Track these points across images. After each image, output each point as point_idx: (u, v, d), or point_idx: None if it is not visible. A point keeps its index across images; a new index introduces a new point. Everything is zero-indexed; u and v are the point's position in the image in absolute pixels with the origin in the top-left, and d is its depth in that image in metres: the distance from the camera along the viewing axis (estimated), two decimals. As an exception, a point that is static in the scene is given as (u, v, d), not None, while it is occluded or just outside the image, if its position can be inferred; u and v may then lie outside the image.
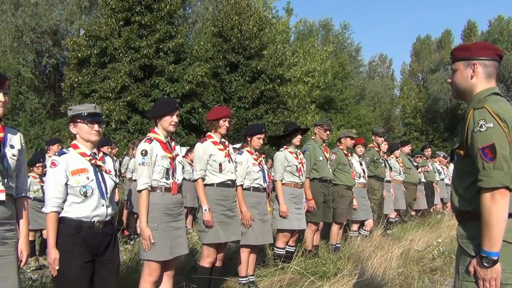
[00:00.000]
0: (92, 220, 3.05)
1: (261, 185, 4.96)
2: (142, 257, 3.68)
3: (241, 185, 4.78)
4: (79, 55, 15.14)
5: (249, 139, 5.02)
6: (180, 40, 15.61)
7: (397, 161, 8.65)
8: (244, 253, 4.87)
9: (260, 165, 5.00)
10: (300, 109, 24.50)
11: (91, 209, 3.04)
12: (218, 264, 4.45)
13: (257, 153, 5.06)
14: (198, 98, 15.94)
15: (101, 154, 3.22)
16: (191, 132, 15.84)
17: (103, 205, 3.10)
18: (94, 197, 3.06)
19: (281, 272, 5.05)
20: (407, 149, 9.34)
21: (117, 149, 8.76)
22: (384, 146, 8.07)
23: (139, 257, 4.11)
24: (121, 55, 14.82)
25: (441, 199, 10.89)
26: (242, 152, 4.95)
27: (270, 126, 17.88)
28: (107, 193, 3.13)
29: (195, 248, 5.65)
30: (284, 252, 5.54)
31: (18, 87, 17.46)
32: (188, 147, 10.58)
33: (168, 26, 15.51)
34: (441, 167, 11.25)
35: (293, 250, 5.69)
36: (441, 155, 11.70)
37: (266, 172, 5.16)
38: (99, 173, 3.13)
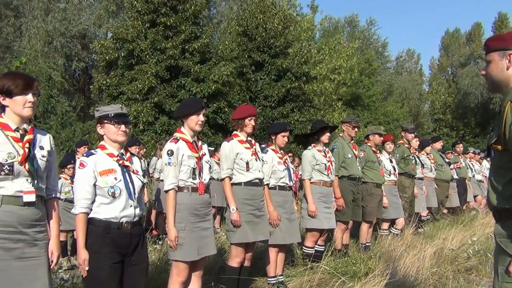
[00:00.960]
0: (121, 221, 3.04)
1: (287, 184, 4.88)
2: (170, 257, 3.67)
3: (267, 184, 4.72)
4: (107, 57, 15.37)
5: (273, 137, 4.96)
6: (205, 40, 15.67)
7: (428, 157, 8.44)
8: (272, 252, 4.80)
9: (286, 164, 4.92)
10: (326, 106, 24.33)
11: (119, 209, 3.03)
12: (246, 264, 4.40)
13: (282, 151, 4.99)
14: (224, 98, 15.98)
15: (128, 154, 3.22)
16: (217, 131, 15.89)
17: (131, 206, 3.09)
18: (122, 197, 3.05)
19: (311, 272, 4.97)
20: (438, 145, 9.10)
21: (144, 150, 8.83)
22: (415, 143, 7.87)
23: (167, 257, 4.10)
24: (147, 56, 14.98)
25: (474, 197, 10.57)
26: (267, 151, 4.89)
27: (296, 124, 17.80)
28: (135, 194, 3.12)
29: (223, 248, 5.62)
30: (314, 252, 5.45)
31: (49, 91, 17.82)
32: (214, 147, 10.61)
33: (193, 26, 15.60)
34: (474, 163, 10.92)
35: (323, 249, 5.59)
36: (472, 151, 11.36)
37: (292, 171, 5.09)
38: (126, 174, 3.11)
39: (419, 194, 7.83)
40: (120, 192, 3.04)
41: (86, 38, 22.90)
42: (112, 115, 3.10)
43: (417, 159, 7.94)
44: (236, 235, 4.21)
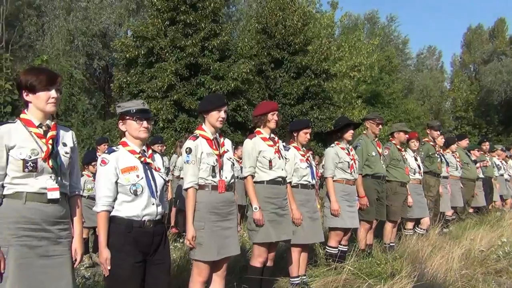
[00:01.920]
0: (143, 219, 2.98)
1: (310, 182, 4.78)
2: (191, 256, 3.60)
3: (289, 183, 4.62)
4: (127, 55, 15.43)
5: (295, 134, 4.86)
6: (225, 38, 15.61)
7: (453, 155, 8.22)
8: (294, 252, 4.71)
9: (308, 161, 4.82)
10: (346, 104, 24.09)
11: (141, 208, 2.97)
12: (269, 264, 4.31)
13: (304, 148, 4.89)
14: (243, 96, 15.91)
15: (150, 151, 3.15)
16: (236, 129, 15.83)
17: (153, 204, 3.02)
18: (144, 195, 2.98)
19: (334, 272, 4.86)
20: (464, 143, 8.87)
21: (165, 147, 8.81)
22: (440, 140, 7.67)
23: (188, 256, 4.03)
24: (167, 54, 14.99)
25: (501, 196, 10.29)
26: (289, 148, 4.79)
27: (316, 122, 17.64)
28: (157, 192, 3.05)
29: (243, 247, 5.54)
30: (338, 252, 5.34)
31: (71, 89, 17.99)
32: (234, 145, 10.53)
33: (213, 24, 15.55)
34: (500, 161, 10.63)
35: (346, 249, 5.48)
36: (500, 148, 11.06)
37: (314, 169, 4.97)
38: (148, 171, 3.05)
39: (444, 193, 7.64)
40: (142, 190, 2.98)
41: (106, 37, 23.09)
42: (134, 111, 3.04)
43: (442, 158, 7.74)
44: (258, 235, 4.12)
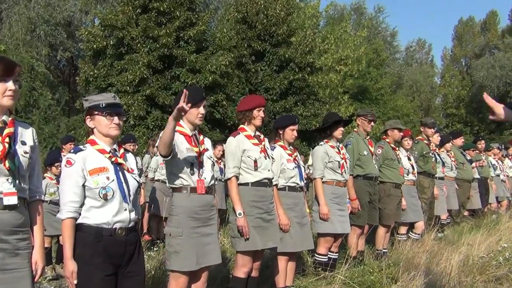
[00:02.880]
0: (114, 227, 2.85)
1: (298, 184, 4.70)
2: (167, 266, 3.50)
3: (276, 185, 4.54)
4: (95, 46, 15.13)
5: (281, 132, 4.77)
6: (202, 28, 15.45)
7: (448, 155, 8.26)
8: (281, 261, 4.63)
9: (296, 161, 4.74)
10: (332, 100, 24.18)
11: (112, 214, 2.84)
12: (254, 274, 4.22)
13: (291, 147, 4.81)
14: (222, 90, 15.77)
15: (122, 150, 3.02)
16: (214, 127, 15.68)
17: (125, 209, 2.89)
18: (115, 200, 2.85)
19: (325, 282, 4.80)
20: (459, 141, 8.92)
21: (137, 146, 8.63)
22: (436, 138, 7.69)
23: (165, 266, 3.90)
24: (138, 45, 14.76)
25: (496, 198, 10.41)
26: (274, 147, 4.70)
27: (301, 119, 17.58)
28: (129, 196, 2.92)
29: (224, 255, 5.43)
30: (327, 259, 5.28)
31: (32, 83, 17.58)
32: (213, 144, 10.38)
33: (188, 12, 15.36)
34: (496, 161, 10.75)
35: (337, 256, 5.43)
36: (496, 147, 11.18)
37: (302, 169, 4.90)
38: (120, 173, 2.92)
39: (440, 195, 7.66)
40: (113, 193, 2.85)
41: (72, 26, 22.66)
42: (103, 105, 2.90)
43: (437, 157, 7.77)
44: (242, 242, 4.02)
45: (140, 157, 8.98)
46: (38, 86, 18.30)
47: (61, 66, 24.78)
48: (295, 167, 4.70)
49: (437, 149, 7.89)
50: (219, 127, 15.69)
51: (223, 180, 7.35)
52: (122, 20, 14.96)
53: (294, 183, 4.68)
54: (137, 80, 14.31)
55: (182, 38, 15.21)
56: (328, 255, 5.33)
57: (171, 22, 15.08)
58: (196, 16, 15.67)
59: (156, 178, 7.72)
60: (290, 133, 4.72)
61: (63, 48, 21.92)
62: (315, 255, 5.33)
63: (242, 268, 4.08)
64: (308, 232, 4.79)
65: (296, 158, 4.80)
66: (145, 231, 7.91)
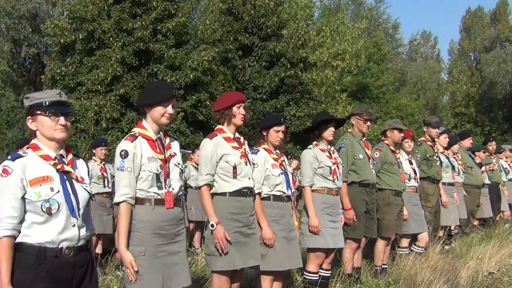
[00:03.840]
0: (60, 246, 2.67)
1: (284, 193, 4.54)
2: (128, 292, 3.31)
3: (259, 194, 4.38)
4: (62, 41, 14.99)
5: (265, 133, 4.62)
6: (182, 20, 15.35)
7: (455, 158, 8.17)
8: (265, 281, 4.46)
9: (282, 167, 4.59)
10: (328, 99, 24.18)
11: (57, 231, 2.66)
12: (233, 296, 4.06)
13: (277, 151, 4.66)
14: (205, 89, 15.67)
15: (70, 156, 2.84)
16: (197, 129, 15.55)
17: (74, 225, 2.72)
18: (61, 215, 2.68)
19: (314, 304, 4.65)
20: (467, 142, 8.82)
21: (110, 151, 8.47)
22: (444, 140, 7.59)
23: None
24: (111, 39, 14.61)
25: (510, 205, 10.34)
26: (258, 150, 4.55)
27: (293, 120, 17.58)
28: (79, 209, 2.75)
29: (204, 275, 5.27)
30: (318, 278, 5.12)
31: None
32: (193, 148, 10.25)
33: (167, 2, 15.28)
34: (508, 164, 10.69)
35: (329, 274, 5.27)
36: (508, 149, 11.13)
37: (290, 176, 4.74)
38: (67, 182, 2.75)
39: (450, 203, 7.53)
40: (58, 207, 2.67)
41: (37, 18, 22.44)
42: (47, 103, 2.73)
43: (446, 160, 7.65)
44: (219, 260, 3.86)
45: (113, 164, 8.77)
46: (0, 86, 18.11)
47: (27, 64, 24.53)
48: (281, 174, 4.55)
49: (445, 151, 7.78)
50: (202, 130, 15.54)
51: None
52: (93, 12, 14.82)
53: (280, 192, 4.53)
54: (109, 78, 14.16)
55: (159, 31, 15.09)
56: (319, 273, 5.17)
57: (147, 13, 14.96)
58: (175, 6, 15.57)
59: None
60: (275, 134, 4.57)
61: (27, 43, 21.71)
62: (305, 273, 5.17)
63: (218, 290, 3.91)
64: (296, 248, 4.63)
65: (283, 163, 4.66)
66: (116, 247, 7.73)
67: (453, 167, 7.83)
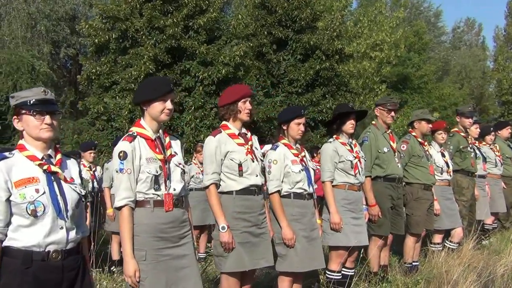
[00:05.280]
0: (47, 250, 2.59)
1: (306, 190, 4.37)
2: (129, 300, 3.19)
3: (279, 191, 4.23)
4: (96, 40, 15.08)
5: (284, 127, 4.44)
6: (213, 15, 15.19)
7: (491, 149, 7.81)
8: (284, 282, 4.33)
9: (303, 163, 4.39)
10: (366, 90, 23.61)
11: (43, 234, 2.58)
12: (244, 298, 3.91)
13: (298, 146, 4.47)
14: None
15: (59, 156, 2.75)
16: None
17: (61, 228, 2.63)
18: (47, 217, 2.59)
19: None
20: (505, 132, 8.41)
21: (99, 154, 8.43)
22: (475, 130, 7.23)
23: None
24: (143, 37, 14.62)
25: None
26: (277, 146, 4.37)
27: (330, 113, 17.18)
28: (67, 211, 2.65)
29: (216, 277, 5.13)
30: (340, 277, 4.92)
31: (32, 84, 17.76)
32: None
33: (198, -1, 15.13)
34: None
35: (352, 273, 5.06)
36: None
37: (312, 172, 4.54)
38: (55, 183, 2.65)
39: (481, 196, 7.23)
40: (44, 209, 2.58)
41: (75, 20, 22.78)
42: (32, 102, 2.64)
43: (477, 152, 7.30)
44: (228, 262, 3.74)
45: (101, 166, 8.56)
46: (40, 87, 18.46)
47: (68, 64, 24.97)
48: (302, 170, 4.36)
49: (476, 142, 7.43)
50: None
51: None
52: (125, 10, 14.83)
53: (301, 189, 4.36)
54: (142, 76, 14.14)
55: (191, 28, 14.98)
56: (342, 272, 4.97)
57: (178, 10, 14.87)
58: (207, 2, 15.40)
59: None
60: (296, 127, 4.39)
61: (66, 44, 22.06)
62: (326, 272, 4.98)
63: (227, 292, 3.77)
64: (318, 248, 4.45)
65: (304, 159, 4.46)
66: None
67: (484, 159, 7.47)
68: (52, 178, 2.66)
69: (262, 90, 17.27)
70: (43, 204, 2.58)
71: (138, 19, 14.82)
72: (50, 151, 2.73)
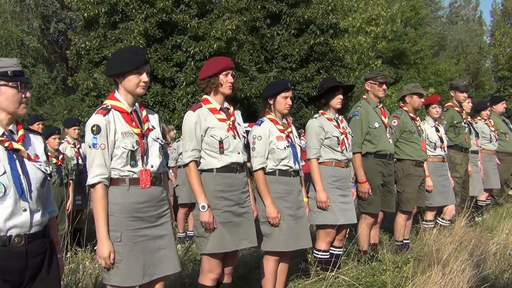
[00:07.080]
0: (8, 234, 2.40)
1: (291, 167, 4.18)
2: (104, 281, 3.05)
3: (263, 169, 4.07)
4: (86, 15, 14.75)
5: (271, 101, 4.24)
6: (205, -13, 14.88)
7: (486, 124, 7.67)
8: (269, 262, 4.16)
9: (289, 139, 4.21)
10: (361, 66, 23.37)
11: (4, 217, 2.38)
12: (226, 280, 3.78)
13: (284, 121, 4.29)
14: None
15: (21, 132, 2.55)
16: (224, 101, 15.23)
17: (24, 210, 2.44)
18: (8, 198, 2.39)
19: (324, 284, 4.32)
20: (500, 107, 8.27)
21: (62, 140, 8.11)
22: (467, 105, 7.06)
23: (102, 280, 3.46)
24: (133, 11, 14.29)
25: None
26: (262, 121, 4.19)
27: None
28: (30, 191, 2.46)
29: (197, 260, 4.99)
30: (328, 256, 4.79)
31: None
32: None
33: (189, -29, 14.78)
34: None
35: (340, 252, 4.94)
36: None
37: (299, 148, 4.36)
38: (17, 161, 2.46)
39: (474, 172, 7.11)
40: (5, 190, 2.39)
41: (66, -7, 22.36)
42: (11, 73, 2.45)
43: (471, 127, 7.16)
44: (209, 243, 3.56)
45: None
46: (30, 63, 18.17)
47: (59, 40, 24.55)
48: (287, 147, 4.18)
49: (469, 117, 7.27)
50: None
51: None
52: (115, -17, 14.49)
53: (286, 166, 4.17)
54: (132, 51, 13.89)
55: (182, 1, 14.67)
56: (330, 251, 4.85)
57: (169, -18, 14.54)
58: (198, -27, 15.07)
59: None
60: (283, 101, 4.19)
61: (56, 19, 21.65)
62: (314, 251, 4.86)
63: (208, 274, 3.62)
64: (305, 227, 4.29)
65: (290, 134, 4.28)
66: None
67: (477, 134, 7.33)
68: (14, 156, 2.46)
69: (256, 65, 17.07)
70: (3, 185, 2.38)
71: (128, -8, 14.48)
72: (11, 126, 2.54)
